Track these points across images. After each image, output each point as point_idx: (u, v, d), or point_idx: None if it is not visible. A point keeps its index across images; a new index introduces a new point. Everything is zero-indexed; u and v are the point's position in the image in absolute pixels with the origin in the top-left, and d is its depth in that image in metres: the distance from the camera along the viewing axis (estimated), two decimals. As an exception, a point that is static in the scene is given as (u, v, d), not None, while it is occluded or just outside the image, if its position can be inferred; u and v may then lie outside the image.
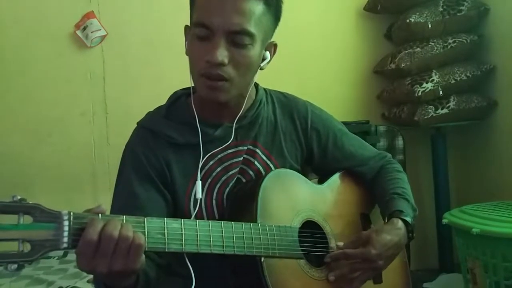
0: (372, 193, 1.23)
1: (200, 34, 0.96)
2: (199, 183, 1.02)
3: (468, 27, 2.50)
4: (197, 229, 0.84)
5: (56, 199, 2.29)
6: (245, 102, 1.07)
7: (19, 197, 0.70)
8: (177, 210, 1.03)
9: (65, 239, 0.71)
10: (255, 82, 1.14)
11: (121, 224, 0.76)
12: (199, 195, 1.01)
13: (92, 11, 2.44)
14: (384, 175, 1.22)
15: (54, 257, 2.14)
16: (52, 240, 0.70)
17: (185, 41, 1.04)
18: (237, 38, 0.95)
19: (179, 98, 1.10)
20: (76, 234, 0.72)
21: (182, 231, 0.82)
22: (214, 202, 1.05)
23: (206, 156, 1.04)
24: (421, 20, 2.42)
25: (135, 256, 0.76)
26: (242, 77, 0.99)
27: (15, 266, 0.68)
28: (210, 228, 0.86)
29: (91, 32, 2.43)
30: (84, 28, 2.43)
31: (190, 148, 1.04)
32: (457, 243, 2.04)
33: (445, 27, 2.44)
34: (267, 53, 1.05)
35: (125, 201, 0.99)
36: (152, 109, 1.12)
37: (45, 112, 2.42)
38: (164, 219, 0.82)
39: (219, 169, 1.06)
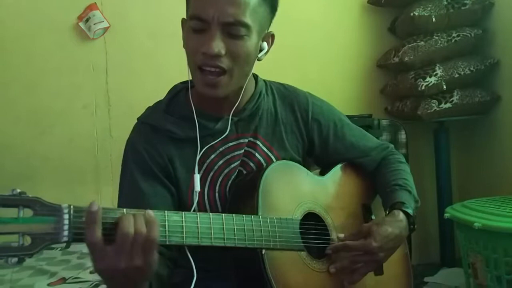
0: (374, 184, 1.23)
1: (195, 26, 0.96)
2: (197, 176, 1.02)
3: (472, 21, 2.48)
4: (197, 221, 0.84)
5: (58, 191, 2.30)
6: (241, 93, 1.06)
7: (18, 191, 0.70)
8: (180, 204, 1.03)
9: (66, 233, 0.72)
10: (255, 74, 1.13)
11: (133, 218, 0.77)
12: (197, 187, 1.01)
13: (95, 3, 2.44)
14: (386, 166, 1.22)
15: (57, 248, 2.15)
16: (52, 234, 0.71)
17: (182, 34, 1.03)
18: (232, 30, 0.95)
19: (178, 92, 1.10)
20: (76, 228, 0.73)
21: (183, 223, 0.83)
22: (217, 195, 1.05)
23: (205, 148, 1.04)
24: (425, 14, 2.40)
25: (151, 250, 0.77)
26: (240, 68, 0.99)
27: (16, 259, 0.68)
28: (211, 220, 0.86)
29: (94, 24, 2.43)
30: (87, 20, 2.43)
31: (191, 142, 1.04)
32: (458, 238, 2.04)
33: (449, 21, 2.43)
34: (265, 44, 1.05)
35: (131, 198, 1.00)
36: (153, 102, 1.12)
37: (47, 104, 2.42)
38: (165, 212, 0.82)
39: (220, 162, 1.06)
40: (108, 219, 0.77)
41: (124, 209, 0.78)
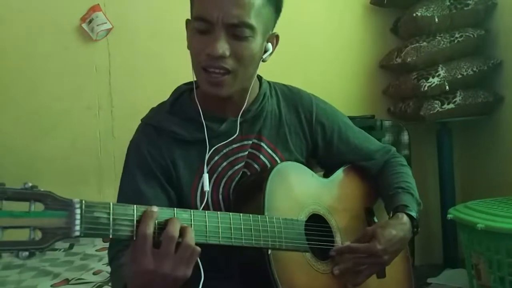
0: (377, 187, 1.23)
1: (200, 28, 0.96)
2: (206, 176, 1.02)
3: (475, 22, 2.48)
4: (206, 220, 0.85)
5: (61, 191, 2.28)
6: (248, 95, 1.06)
7: (30, 184, 0.69)
8: (184, 206, 1.03)
9: (77, 227, 0.71)
10: (259, 75, 1.13)
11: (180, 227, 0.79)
12: (206, 187, 1.01)
13: (98, 4, 2.45)
14: (388, 169, 1.22)
15: (60, 249, 2.16)
16: (64, 228, 0.70)
17: (187, 35, 1.03)
18: (237, 31, 0.95)
19: (182, 93, 1.10)
20: (88, 222, 0.72)
21: (191, 221, 0.83)
22: (220, 197, 1.05)
23: (211, 151, 1.04)
24: (428, 14, 2.40)
25: (193, 260, 0.79)
26: (245, 69, 0.98)
27: (27, 253, 0.67)
28: (219, 219, 0.86)
29: (97, 25, 2.43)
30: (90, 21, 2.44)
31: (195, 143, 1.04)
32: (461, 239, 2.04)
33: (452, 21, 2.43)
34: (269, 45, 1.04)
35: (130, 199, 0.99)
36: (156, 104, 1.12)
37: (50, 105, 2.43)
38: (174, 209, 0.82)
39: (224, 163, 1.06)
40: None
41: (134, 206, 0.78)
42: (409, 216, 1.08)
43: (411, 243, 1.21)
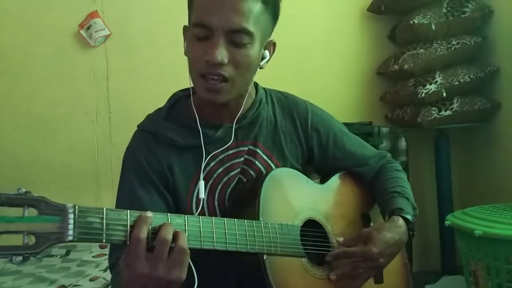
0: (372, 193, 1.23)
1: (199, 34, 0.96)
2: (202, 183, 1.02)
3: (472, 29, 2.49)
4: (200, 225, 0.85)
5: (59, 197, 2.28)
6: (244, 102, 1.07)
7: (24, 190, 0.70)
8: (180, 211, 1.03)
9: (70, 232, 0.71)
10: (255, 82, 1.14)
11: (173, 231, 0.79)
12: (202, 195, 1.01)
13: (96, 10, 2.46)
14: (383, 174, 1.22)
15: (56, 256, 2.15)
16: (57, 233, 0.70)
17: (184, 41, 1.04)
18: (236, 37, 0.95)
19: (178, 99, 1.11)
20: (81, 227, 0.73)
21: (185, 226, 0.83)
22: (216, 203, 1.06)
23: (208, 158, 1.04)
24: (425, 22, 2.41)
25: (185, 262, 0.80)
26: (242, 76, 0.99)
27: (20, 258, 0.68)
28: (213, 225, 0.87)
29: (95, 32, 2.44)
30: (88, 28, 2.45)
31: (191, 149, 1.05)
32: (459, 245, 2.03)
33: (449, 28, 2.44)
34: (266, 52, 1.05)
35: (128, 205, 0.99)
36: (153, 110, 1.12)
37: (49, 111, 2.43)
38: (167, 214, 0.82)
39: (220, 170, 1.06)
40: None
41: (128, 211, 0.78)
42: (405, 219, 1.08)
43: (408, 249, 1.21)
